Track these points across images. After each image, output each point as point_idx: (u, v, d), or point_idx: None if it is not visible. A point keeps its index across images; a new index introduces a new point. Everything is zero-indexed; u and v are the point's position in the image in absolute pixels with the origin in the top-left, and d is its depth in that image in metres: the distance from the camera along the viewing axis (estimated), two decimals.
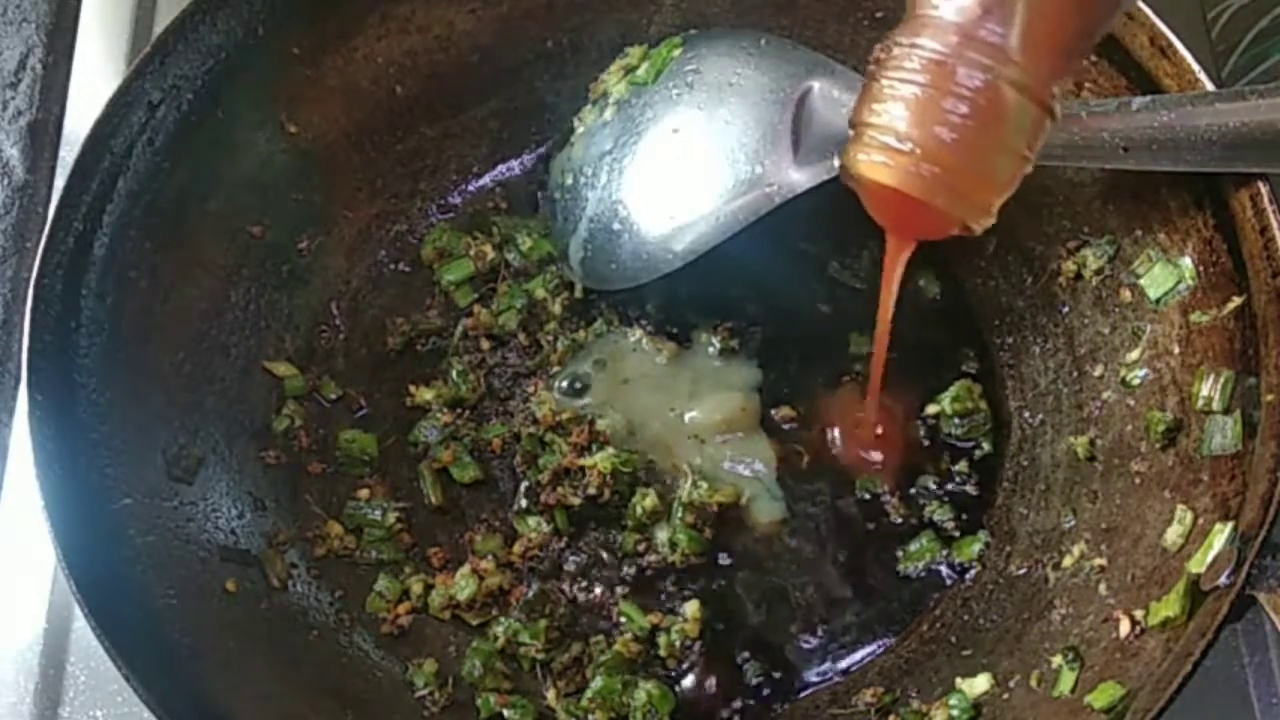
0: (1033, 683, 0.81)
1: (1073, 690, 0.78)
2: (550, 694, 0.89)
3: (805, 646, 0.90)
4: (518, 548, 0.93)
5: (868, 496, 0.94)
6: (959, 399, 0.94)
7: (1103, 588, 0.81)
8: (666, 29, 1.00)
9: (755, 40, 0.94)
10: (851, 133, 0.68)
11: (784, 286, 1.00)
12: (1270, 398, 0.73)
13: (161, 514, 0.84)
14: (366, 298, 1.02)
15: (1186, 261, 0.81)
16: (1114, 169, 0.82)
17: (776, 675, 0.89)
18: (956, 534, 0.93)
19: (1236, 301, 0.77)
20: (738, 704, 0.89)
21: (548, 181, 1.02)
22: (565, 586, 0.93)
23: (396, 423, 0.98)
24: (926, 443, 0.95)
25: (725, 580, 0.92)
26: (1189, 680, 0.68)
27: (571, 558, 0.93)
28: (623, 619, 0.91)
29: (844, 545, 0.93)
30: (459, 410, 0.98)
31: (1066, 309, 0.92)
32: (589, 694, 0.87)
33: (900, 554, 0.92)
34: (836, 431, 0.96)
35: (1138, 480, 0.83)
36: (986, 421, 0.95)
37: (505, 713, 0.88)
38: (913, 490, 0.94)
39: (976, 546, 0.92)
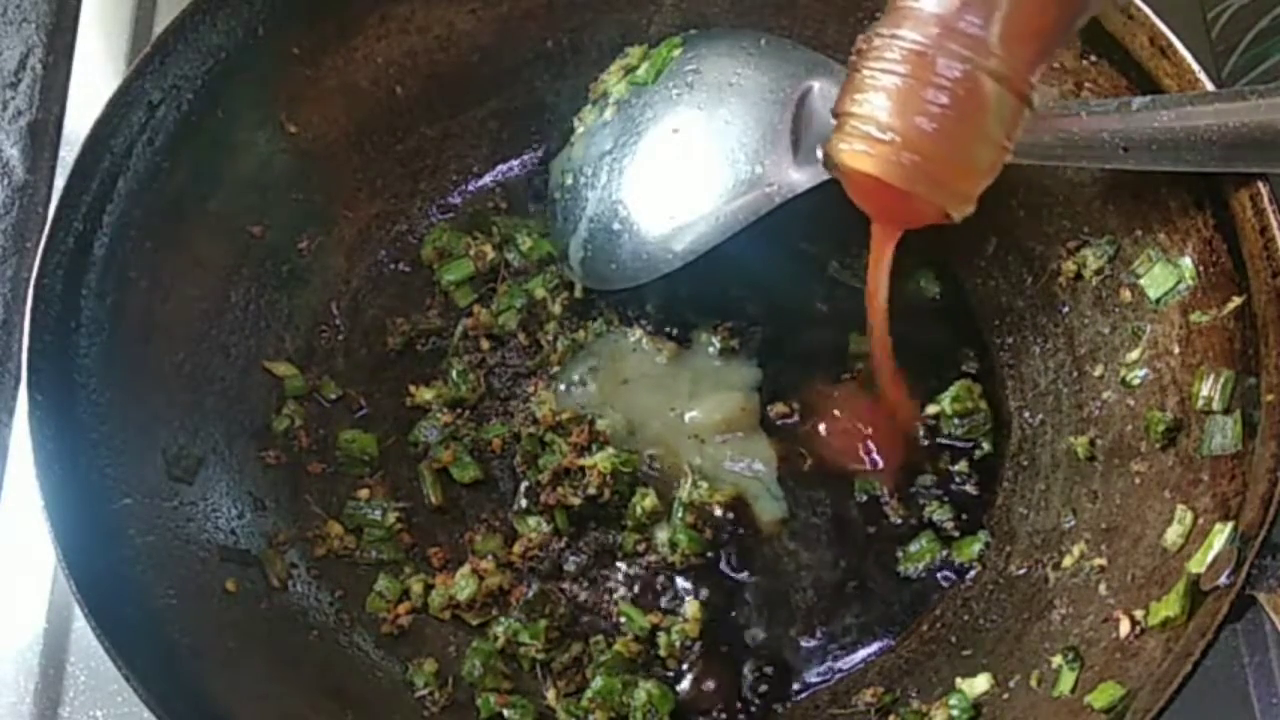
0: (1033, 683, 0.81)
1: (1073, 690, 0.78)
2: (550, 694, 0.89)
3: (805, 646, 0.90)
4: (518, 548, 0.93)
5: (866, 498, 0.94)
6: (959, 399, 0.94)
7: (1103, 588, 0.81)
8: (666, 29, 1.00)
9: (755, 40, 0.94)
10: (834, 122, 0.69)
11: (784, 286, 1.00)
12: (1270, 398, 0.73)
13: (161, 514, 0.84)
14: (366, 298, 1.02)
15: (1186, 261, 0.81)
16: (1114, 169, 0.82)
17: (776, 675, 0.89)
18: (956, 534, 0.93)
19: (1236, 301, 0.77)
20: (738, 704, 0.89)
21: (548, 181, 1.02)
22: (565, 586, 0.93)
23: (396, 423, 0.98)
24: (925, 442, 0.95)
25: (725, 580, 0.92)
26: (1189, 680, 0.68)
27: (571, 558, 0.93)
28: (623, 619, 0.91)
29: (844, 546, 0.93)
30: (459, 410, 0.98)
31: (1066, 309, 0.92)
32: (589, 694, 0.87)
33: (900, 554, 0.92)
34: (830, 427, 0.96)
35: (1138, 480, 0.83)
36: (987, 421, 0.95)
37: (505, 713, 0.88)
38: (912, 490, 0.94)
39: (976, 547, 0.92)
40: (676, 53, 0.95)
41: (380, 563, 0.93)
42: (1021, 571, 0.89)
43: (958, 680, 0.85)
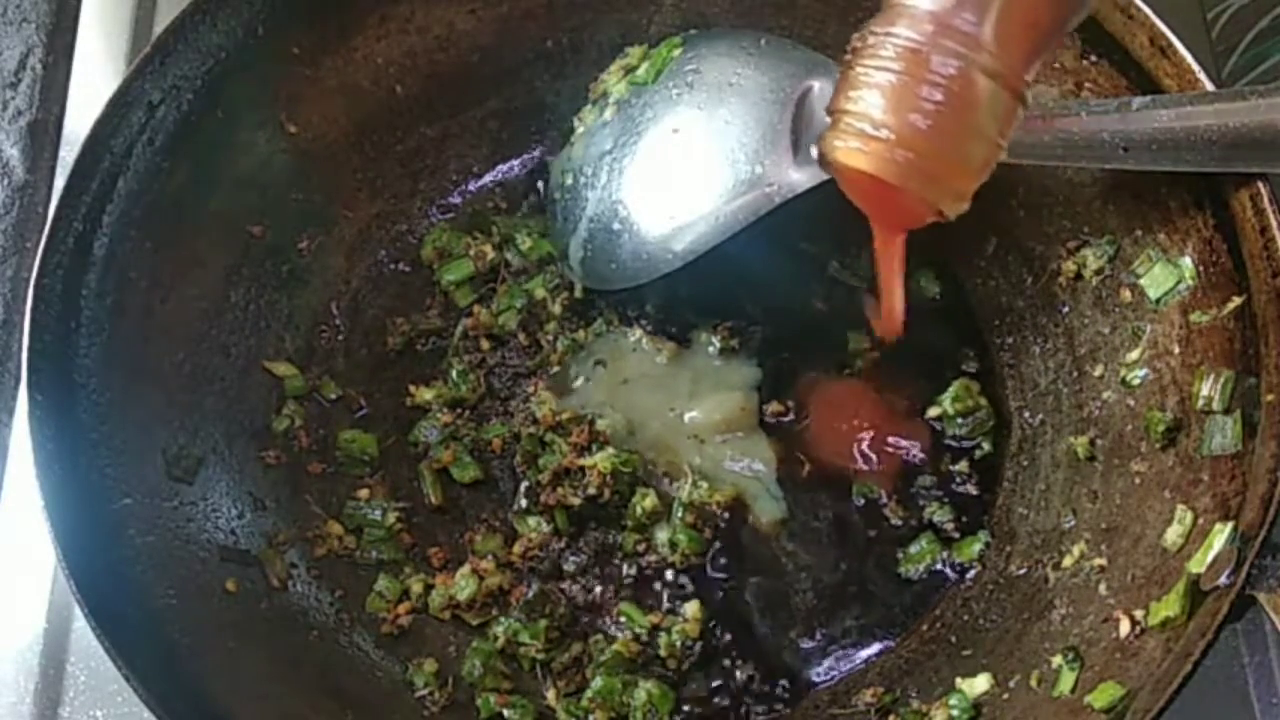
0: (1033, 683, 0.81)
1: (1073, 690, 0.78)
2: (550, 694, 0.89)
3: (805, 647, 0.90)
4: (518, 548, 0.93)
5: (863, 501, 0.94)
6: (959, 398, 0.94)
7: (1103, 588, 0.81)
8: (666, 29, 1.00)
9: (755, 40, 0.94)
10: (829, 120, 0.69)
11: (784, 286, 1.00)
12: (1270, 398, 0.73)
13: (161, 514, 0.84)
14: (366, 298, 1.02)
15: (1186, 261, 0.81)
16: (1114, 169, 0.82)
17: (776, 675, 0.89)
18: (956, 535, 0.93)
19: (1236, 301, 0.77)
20: (738, 704, 0.89)
21: (548, 181, 1.02)
22: (565, 586, 0.93)
23: (396, 423, 0.98)
24: (923, 456, 0.95)
25: (725, 580, 0.92)
26: (1189, 680, 0.68)
27: (571, 558, 0.93)
28: (623, 619, 0.91)
29: (844, 548, 0.93)
30: (459, 410, 0.98)
31: (1066, 309, 0.92)
32: (589, 694, 0.87)
33: (900, 556, 0.92)
34: (826, 424, 0.96)
35: (1138, 480, 0.83)
36: (989, 418, 0.95)
37: (505, 713, 0.88)
38: (912, 491, 0.94)
39: (976, 547, 0.92)
40: (676, 53, 0.95)
41: (380, 563, 0.93)
42: (1021, 571, 0.89)
43: (958, 680, 0.85)
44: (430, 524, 0.95)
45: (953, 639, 0.89)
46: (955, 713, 0.83)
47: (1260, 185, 0.75)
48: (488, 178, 1.06)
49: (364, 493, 0.95)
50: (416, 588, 0.92)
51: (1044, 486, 0.91)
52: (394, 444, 0.97)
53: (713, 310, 1.00)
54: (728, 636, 0.90)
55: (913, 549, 0.92)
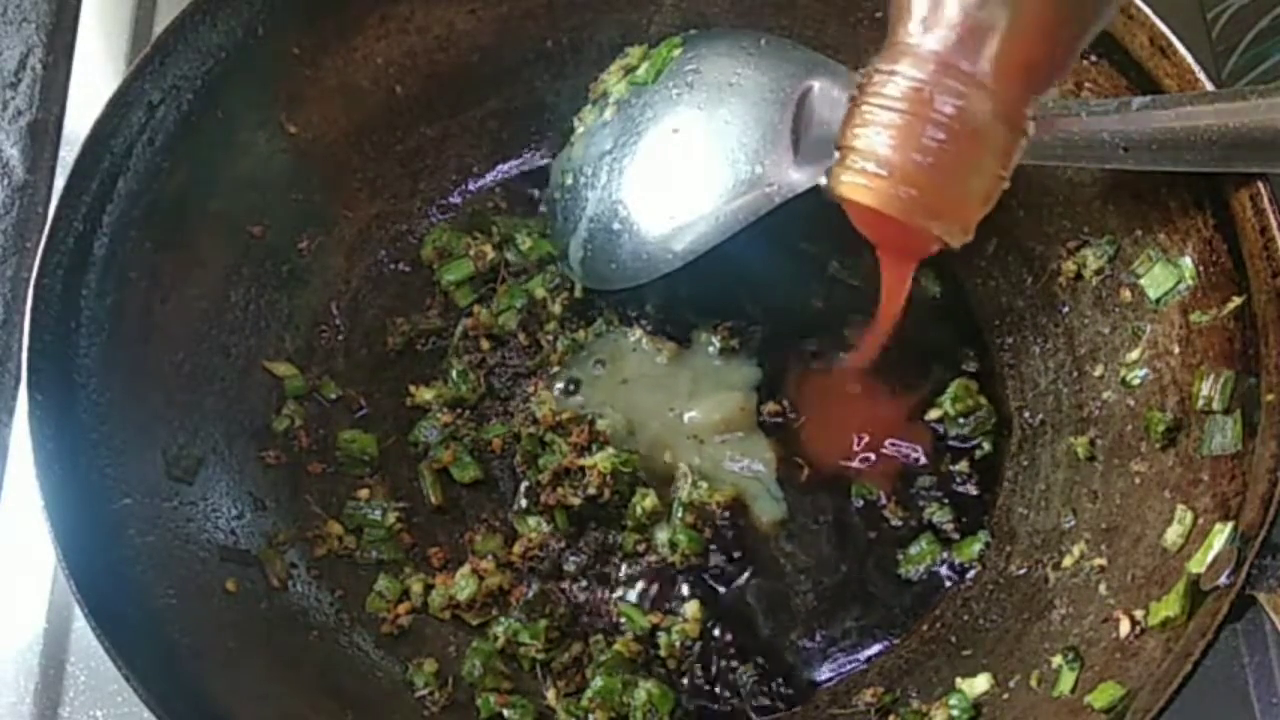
0: (1033, 683, 0.81)
1: (1073, 690, 0.78)
2: (550, 694, 0.89)
3: (805, 647, 0.90)
4: (518, 548, 0.93)
5: (863, 502, 0.94)
6: (959, 398, 0.94)
7: (1103, 588, 0.81)
8: (666, 29, 1.00)
9: (755, 40, 0.94)
10: (837, 154, 0.71)
11: (784, 286, 1.00)
12: (1270, 398, 0.73)
13: (161, 514, 0.84)
14: (366, 298, 1.02)
15: (1186, 261, 0.81)
16: (1114, 169, 0.82)
17: (776, 675, 0.89)
18: (956, 535, 0.93)
19: (1236, 301, 0.77)
20: (738, 704, 0.89)
21: (548, 181, 1.02)
22: (565, 586, 0.93)
23: (396, 423, 0.98)
24: (921, 457, 0.95)
25: (725, 580, 0.92)
26: (1189, 680, 0.68)
27: (571, 558, 0.93)
28: (623, 619, 0.91)
29: (844, 549, 0.93)
30: (459, 410, 0.98)
31: (1066, 309, 0.92)
32: (589, 694, 0.87)
33: (900, 557, 0.92)
34: (822, 422, 0.97)
35: (1138, 480, 0.83)
36: (989, 418, 0.95)
37: (505, 713, 0.88)
38: (912, 491, 0.94)
39: (977, 547, 0.92)
40: (676, 53, 0.95)
41: (380, 563, 0.93)
42: (1021, 571, 0.89)
43: (958, 680, 0.85)
44: (430, 524, 0.96)
45: (953, 639, 0.89)
46: (955, 713, 0.83)
47: (1260, 185, 0.75)
48: (488, 178, 1.06)
49: (364, 493, 0.95)
50: (416, 588, 0.92)
51: (1044, 486, 0.91)
52: (394, 444, 0.97)
53: (713, 310, 1.00)
54: (728, 636, 0.90)
55: (913, 549, 0.92)
